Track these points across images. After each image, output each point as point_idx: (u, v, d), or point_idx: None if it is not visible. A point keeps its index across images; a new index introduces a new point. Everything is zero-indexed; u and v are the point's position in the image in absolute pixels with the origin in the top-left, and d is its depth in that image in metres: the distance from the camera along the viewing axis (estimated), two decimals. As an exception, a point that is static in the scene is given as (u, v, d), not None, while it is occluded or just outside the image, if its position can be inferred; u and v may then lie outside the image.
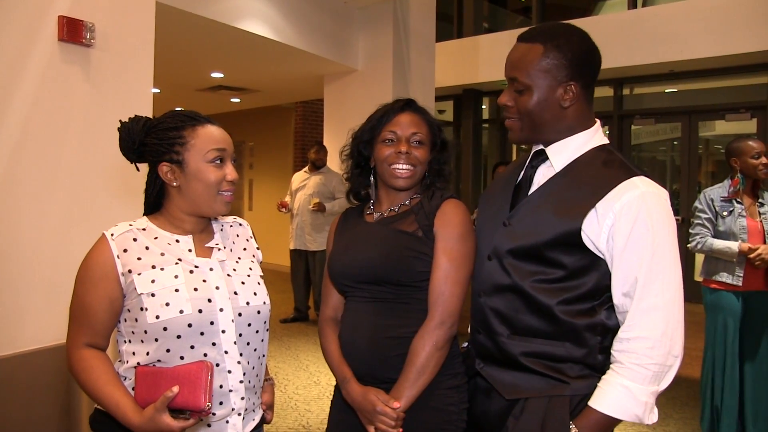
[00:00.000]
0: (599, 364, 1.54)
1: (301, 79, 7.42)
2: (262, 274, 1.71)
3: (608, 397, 1.46)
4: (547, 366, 1.55)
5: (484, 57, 9.33)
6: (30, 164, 2.60)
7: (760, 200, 3.61)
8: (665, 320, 1.45)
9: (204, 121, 1.58)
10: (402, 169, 1.77)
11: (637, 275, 1.46)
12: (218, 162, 1.55)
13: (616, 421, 1.47)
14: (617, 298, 1.51)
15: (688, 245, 3.62)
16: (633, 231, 1.46)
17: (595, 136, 1.64)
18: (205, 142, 1.54)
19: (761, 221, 3.54)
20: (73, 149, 2.76)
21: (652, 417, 1.47)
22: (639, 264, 1.46)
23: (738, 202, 3.55)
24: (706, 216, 3.59)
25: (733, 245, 3.45)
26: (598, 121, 1.67)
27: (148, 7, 3.13)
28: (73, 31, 2.72)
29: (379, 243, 1.74)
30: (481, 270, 1.68)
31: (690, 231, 3.67)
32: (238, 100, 9.65)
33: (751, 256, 3.39)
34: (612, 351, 1.51)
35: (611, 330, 1.54)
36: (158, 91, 8.23)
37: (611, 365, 1.50)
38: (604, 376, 1.50)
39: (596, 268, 1.53)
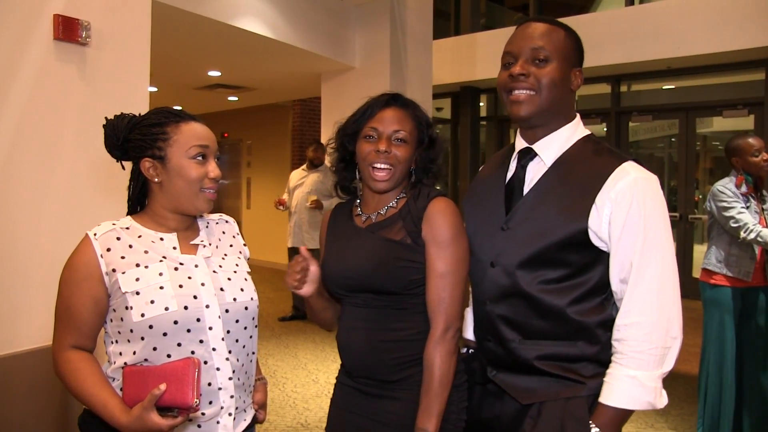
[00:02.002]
0: (610, 360, 1.54)
1: (299, 76, 7.41)
2: (249, 270, 1.70)
3: (617, 390, 1.47)
4: (562, 367, 1.55)
5: (482, 54, 9.32)
6: (26, 164, 2.59)
7: (763, 197, 3.60)
8: (660, 303, 1.47)
9: (188, 118, 1.57)
10: (380, 168, 1.69)
11: (632, 260, 1.48)
12: (200, 158, 1.54)
13: (630, 413, 1.48)
14: (615, 284, 1.53)
15: (743, 233, 3.38)
16: (627, 217, 1.48)
17: (578, 128, 1.66)
18: (188, 138, 1.54)
19: (765, 217, 3.54)
20: (69, 149, 2.75)
21: (663, 400, 1.48)
22: (633, 249, 1.48)
23: (753, 198, 3.53)
24: (741, 205, 3.46)
25: None
26: (578, 114, 1.69)
27: (144, 5, 3.11)
28: (68, 29, 2.71)
29: (369, 253, 1.69)
30: (483, 278, 1.65)
31: (735, 218, 3.42)
32: (236, 99, 9.63)
33: None
34: (612, 341, 1.52)
35: None
36: (155, 89, 8.21)
37: (613, 357, 1.51)
38: (608, 370, 1.51)
39: (600, 262, 1.54)
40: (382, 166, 1.70)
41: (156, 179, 1.55)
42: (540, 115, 1.62)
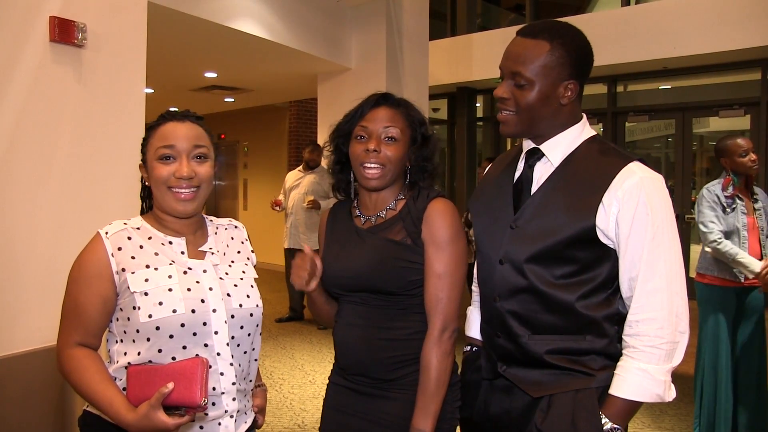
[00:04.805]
0: (618, 353, 1.56)
1: (295, 78, 7.41)
2: (256, 277, 1.70)
3: (628, 382, 1.49)
4: (572, 360, 1.57)
5: (478, 55, 9.33)
6: (22, 165, 2.59)
7: (754, 196, 3.62)
8: (670, 299, 1.49)
9: (170, 118, 1.58)
10: (371, 168, 1.69)
11: (641, 257, 1.51)
12: (167, 159, 1.54)
13: (639, 405, 1.51)
14: (624, 282, 1.55)
15: (712, 236, 3.47)
16: (635, 216, 1.50)
17: (584, 129, 1.67)
18: (156, 140, 1.55)
19: (756, 217, 3.55)
20: (66, 150, 2.75)
21: (671, 393, 1.51)
22: (642, 247, 1.50)
23: (739, 199, 3.54)
24: (717, 211, 3.53)
25: (757, 265, 3.39)
26: (584, 115, 1.69)
27: (140, 7, 3.11)
28: (64, 31, 2.70)
29: (370, 253, 1.70)
30: (492, 275, 1.66)
31: (703, 221, 3.53)
32: (232, 100, 9.63)
33: (762, 273, 3.39)
34: (623, 336, 1.54)
35: (625, 318, 1.56)
36: (151, 91, 8.21)
37: (624, 351, 1.53)
38: (619, 363, 1.53)
39: (608, 258, 1.56)
40: (373, 165, 1.70)
41: (147, 183, 1.60)
42: (525, 132, 1.65)
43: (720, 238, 3.47)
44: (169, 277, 1.50)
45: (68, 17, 2.73)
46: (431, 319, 1.66)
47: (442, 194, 1.75)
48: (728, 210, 3.51)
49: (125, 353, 1.50)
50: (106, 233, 1.52)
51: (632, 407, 1.50)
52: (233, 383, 1.55)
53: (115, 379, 1.51)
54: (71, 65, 2.77)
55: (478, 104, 10.48)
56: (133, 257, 1.50)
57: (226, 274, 1.61)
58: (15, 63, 2.58)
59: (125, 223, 1.56)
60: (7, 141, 2.54)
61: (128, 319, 1.48)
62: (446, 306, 1.65)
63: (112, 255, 1.49)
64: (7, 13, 2.55)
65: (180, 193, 1.54)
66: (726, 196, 3.53)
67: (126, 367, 1.47)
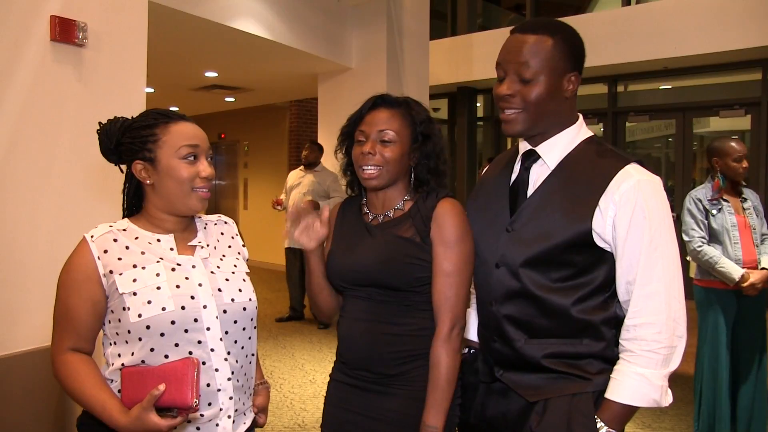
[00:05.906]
0: (615, 357, 1.55)
1: (295, 77, 7.41)
2: (247, 271, 1.70)
3: (625, 386, 1.49)
4: (569, 365, 1.57)
5: (478, 54, 9.32)
6: (23, 165, 2.59)
7: (743, 196, 3.64)
8: (668, 303, 1.49)
9: (177, 118, 1.57)
10: (368, 169, 1.72)
11: (638, 261, 1.50)
12: (191, 158, 1.54)
13: (635, 410, 1.51)
14: (621, 286, 1.54)
15: (692, 245, 3.53)
16: (632, 219, 1.49)
17: (581, 130, 1.66)
18: (177, 138, 1.53)
19: (746, 216, 3.56)
20: (66, 150, 2.75)
21: (668, 399, 1.51)
22: (639, 250, 1.49)
23: (725, 200, 3.56)
24: (697, 218, 3.56)
25: (737, 273, 3.41)
26: (581, 115, 1.68)
27: (140, 7, 3.11)
28: (65, 31, 2.71)
29: (378, 248, 1.71)
30: (489, 278, 1.66)
31: (685, 230, 3.60)
32: (233, 99, 9.63)
33: (745, 285, 3.41)
34: (620, 340, 1.53)
35: (622, 321, 1.55)
36: (152, 90, 8.21)
37: (621, 355, 1.53)
38: (616, 367, 1.53)
39: (605, 261, 1.56)
40: (369, 167, 1.72)
41: (148, 181, 1.55)
42: (531, 129, 1.64)
43: (700, 246, 3.51)
44: (157, 275, 1.49)
45: (69, 16, 2.73)
46: (440, 317, 1.67)
47: (451, 194, 1.76)
48: (713, 212, 3.52)
49: (119, 355, 1.50)
50: (92, 237, 1.51)
51: (628, 412, 1.50)
52: (228, 379, 1.54)
53: (111, 381, 1.51)
54: (72, 64, 2.78)
55: (478, 104, 10.47)
56: (119, 258, 1.50)
57: (218, 267, 1.60)
58: (16, 62, 2.58)
59: (110, 226, 1.55)
60: (8, 140, 2.54)
61: (119, 320, 1.48)
62: (455, 304, 1.66)
63: (99, 258, 1.49)
64: (7, 13, 2.55)
65: (201, 191, 1.56)
66: (710, 199, 3.54)
67: (121, 369, 1.47)
